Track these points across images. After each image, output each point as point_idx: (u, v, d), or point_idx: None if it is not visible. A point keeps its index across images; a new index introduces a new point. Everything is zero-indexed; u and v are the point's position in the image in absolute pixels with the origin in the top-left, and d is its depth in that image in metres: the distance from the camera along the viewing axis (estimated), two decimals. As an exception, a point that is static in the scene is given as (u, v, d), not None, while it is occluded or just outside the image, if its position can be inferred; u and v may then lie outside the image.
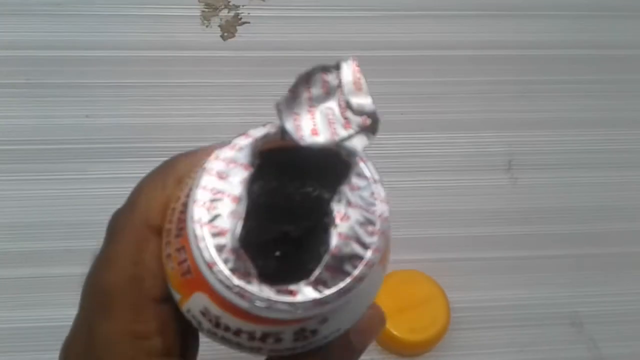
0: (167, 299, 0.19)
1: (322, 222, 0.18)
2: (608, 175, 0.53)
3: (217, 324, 0.17)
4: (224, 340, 0.17)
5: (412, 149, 0.53)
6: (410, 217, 0.50)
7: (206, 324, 0.17)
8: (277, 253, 0.18)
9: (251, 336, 0.17)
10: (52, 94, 0.51)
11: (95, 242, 0.46)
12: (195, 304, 0.17)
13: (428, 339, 0.43)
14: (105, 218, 0.53)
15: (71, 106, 0.51)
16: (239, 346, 0.17)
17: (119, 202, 0.50)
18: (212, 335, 0.18)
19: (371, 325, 0.20)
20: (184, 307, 0.18)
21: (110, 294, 0.19)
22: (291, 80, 0.17)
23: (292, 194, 0.18)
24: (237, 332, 0.17)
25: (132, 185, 0.50)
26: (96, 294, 0.19)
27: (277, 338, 0.17)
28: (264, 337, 0.17)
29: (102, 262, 0.20)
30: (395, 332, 0.42)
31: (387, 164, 0.52)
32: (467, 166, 0.52)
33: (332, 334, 0.18)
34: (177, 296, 0.18)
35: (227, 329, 0.17)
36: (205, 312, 0.17)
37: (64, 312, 0.44)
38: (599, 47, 0.59)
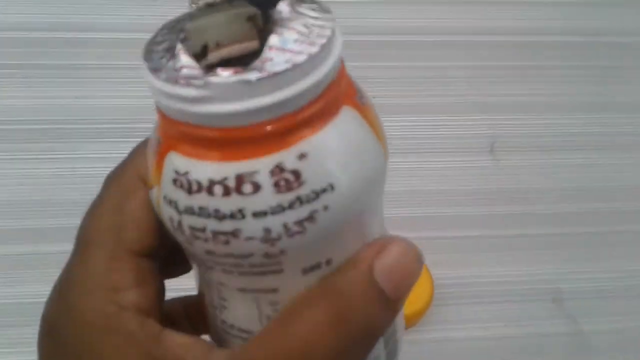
0: (148, 255, 0.18)
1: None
2: (589, 158, 0.54)
3: (190, 188, 0.15)
4: (201, 217, 0.15)
5: (396, 132, 0.54)
6: (394, 197, 0.51)
7: (181, 199, 0.16)
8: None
9: (226, 189, 0.15)
10: (42, 75, 0.52)
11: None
12: (167, 179, 0.16)
13: (411, 314, 0.44)
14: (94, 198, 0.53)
15: (61, 87, 0.52)
16: (218, 220, 0.15)
17: None
18: (189, 215, 0.16)
19: (403, 263, 0.16)
20: (160, 199, 0.17)
21: (90, 241, 0.18)
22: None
23: None
24: (210, 188, 0.15)
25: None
26: (78, 240, 0.19)
27: (254, 184, 0.15)
28: (239, 186, 0.15)
29: (89, 210, 0.19)
30: (379, 307, 0.43)
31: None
32: (451, 148, 0.53)
33: (322, 189, 0.15)
34: (153, 193, 0.17)
35: (199, 187, 0.15)
36: (175, 178, 0.16)
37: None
38: (585, 34, 0.61)
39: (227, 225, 0.15)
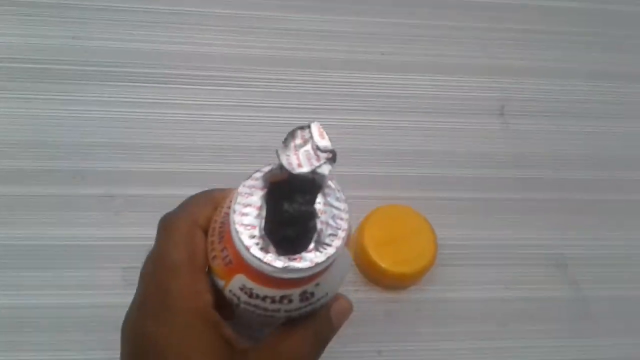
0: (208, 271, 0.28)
1: (307, 226, 0.26)
2: (598, 125, 0.53)
3: (251, 294, 0.26)
4: (254, 307, 0.26)
5: (407, 90, 0.52)
6: (401, 155, 0.49)
7: (243, 297, 0.26)
8: (283, 243, 0.27)
9: (273, 300, 0.26)
10: (39, 14, 0.50)
11: (77, 163, 0.45)
12: (235, 283, 0.26)
13: (414, 272, 0.43)
14: (89, 141, 0.51)
15: (58, 27, 0.49)
16: (264, 310, 0.26)
17: (103, 126, 0.48)
18: (246, 305, 0.26)
19: (344, 309, 0.29)
20: (227, 289, 0.27)
21: (177, 265, 0.28)
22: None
23: (287, 210, 0.27)
24: (264, 298, 0.26)
25: (116, 109, 0.48)
26: (165, 265, 0.28)
27: (289, 299, 0.26)
28: (281, 299, 0.26)
29: (167, 246, 0.29)
30: (381, 264, 0.42)
31: (380, 103, 0.51)
32: (461, 109, 0.52)
33: (323, 297, 0.27)
34: (221, 283, 0.27)
35: (257, 296, 0.26)
36: (242, 287, 0.26)
37: (44, 231, 0.44)
38: (599, 2, 0.59)
39: (268, 313, 0.27)
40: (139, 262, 0.43)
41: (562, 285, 0.46)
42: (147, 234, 0.45)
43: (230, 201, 0.26)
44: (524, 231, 0.48)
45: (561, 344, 0.44)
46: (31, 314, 0.40)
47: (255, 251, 0.24)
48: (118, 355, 0.40)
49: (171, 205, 0.46)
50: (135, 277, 0.42)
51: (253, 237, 0.25)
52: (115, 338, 0.41)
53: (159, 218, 0.44)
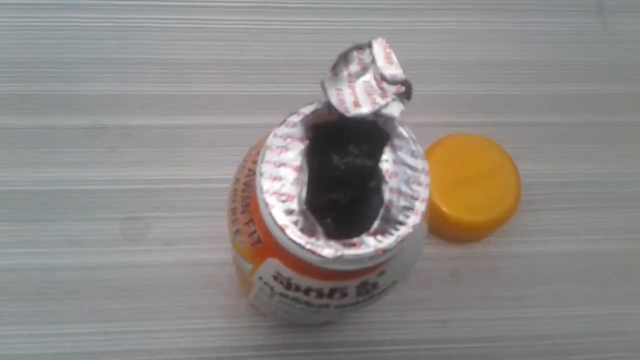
0: None
1: (366, 188, 0.20)
2: None
3: (289, 285, 0.20)
4: (294, 301, 0.20)
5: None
6: (470, 69, 0.38)
7: (278, 287, 0.20)
8: (328, 220, 0.21)
9: (319, 293, 0.20)
10: None
11: (59, 86, 0.36)
12: (267, 270, 0.20)
13: (491, 221, 0.33)
14: (73, 57, 0.40)
15: None
16: (307, 304, 0.20)
17: (90, 37, 0.37)
18: (283, 297, 0.20)
19: None
20: (255, 275, 0.20)
21: None
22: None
23: (337, 165, 0.21)
24: (307, 291, 0.20)
25: (106, 15, 0.38)
26: None
27: (343, 293, 0.20)
28: (331, 293, 0.20)
29: None
30: (448, 211, 0.33)
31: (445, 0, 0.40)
32: (548, 5, 0.40)
33: (388, 287, 0.21)
34: (248, 266, 0.21)
35: (297, 288, 0.20)
36: (277, 276, 0.20)
37: (19, 173, 0.35)
38: None
39: (313, 309, 0.21)
40: (140, 211, 0.35)
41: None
42: (149, 176, 0.36)
43: (257, 154, 0.19)
44: (631, 164, 0.37)
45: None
46: (6, 278, 0.32)
47: (294, 234, 0.17)
48: (118, 328, 0.32)
49: (178, 138, 0.37)
50: (137, 229, 0.34)
51: (291, 212, 0.17)
52: (115, 307, 0.33)
53: (165, 153, 0.35)
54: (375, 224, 0.17)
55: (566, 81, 0.39)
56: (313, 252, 0.17)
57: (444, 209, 0.33)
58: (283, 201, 0.17)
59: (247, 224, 0.20)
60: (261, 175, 0.18)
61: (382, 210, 0.18)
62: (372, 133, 0.19)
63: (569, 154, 0.37)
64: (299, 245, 0.17)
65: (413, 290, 0.33)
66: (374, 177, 0.19)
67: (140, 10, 0.38)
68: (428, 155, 0.34)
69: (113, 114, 0.35)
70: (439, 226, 0.34)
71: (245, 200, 0.20)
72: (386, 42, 0.18)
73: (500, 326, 0.33)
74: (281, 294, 0.20)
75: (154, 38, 0.37)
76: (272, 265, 0.19)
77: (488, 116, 0.37)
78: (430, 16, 0.39)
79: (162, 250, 0.33)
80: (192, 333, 0.32)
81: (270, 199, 0.18)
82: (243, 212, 0.20)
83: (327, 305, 0.20)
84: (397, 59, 0.18)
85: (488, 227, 0.34)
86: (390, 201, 0.18)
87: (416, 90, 0.37)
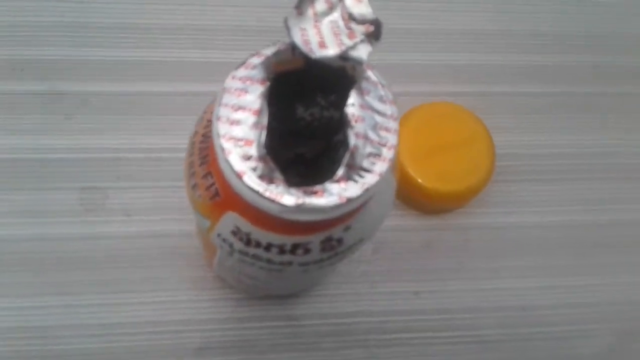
0: None
1: (334, 140, 0.19)
2: None
3: (248, 241, 0.19)
4: (254, 258, 0.19)
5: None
6: (446, 36, 0.37)
7: (237, 244, 0.19)
8: (295, 176, 0.20)
9: (281, 249, 0.18)
10: None
11: (14, 50, 0.34)
12: (225, 225, 0.19)
13: (465, 190, 0.32)
14: (29, 20, 0.38)
15: None
16: (269, 262, 0.19)
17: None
18: (243, 255, 0.19)
19: None
20: (213, 233, 0.19)
21: None
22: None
23: (303, 117, 0.20)
24: (268, 247, 0.18)
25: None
26: None
27: (305, 249, 0.19)
28: (294, 249, 0.18)
29: None
30: (420, 180, 0.32)
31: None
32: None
33: (355, 244, 0.20)
34: (206, 223, 0.20)
35: (258, 244, 0.18)
36: (236, 231, 0.19)
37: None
38: None
39: (274, 267, 0.19)
40: (100, 181, 0.33)
41: (656, 204, 0.35)
42: (109, 144, 0.34)
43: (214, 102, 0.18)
44: (608, 133, 0.36)
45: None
46: (-41, 250, 0.30)
47: (252, 181, 0.16)
48: (77, 301, 0.31)
49: (141, 106, 0.35)
50: (96, 199, 0.32)
51: (249, 158, 0.16)
52: (74, 279, 0.32)
53: (125, 121, 0.34)
54: (340, 171, 0.16)
55: (542, 52, 0.38)
56: (272, 200, 0.16)
57: (416, 177, 0.32)
58: (241, 146, 0.16)
59: (204, 177, 0.18)
60: (218, 119, 0.17)
61: (346, 156, 0.17)
62: (340, 81, 0.18)
63: (544, 125, 0.36)
64: (257, 192, 0.16)
65: (385, 261, 0.33)
66: (342, 129, 0.18)
67: (101, -28, 0.36)
68: (402, 124, 0.33)
69: (71, 80, 0.34)
70: (411, 196, 0.33)
71: (203, 152, 0.19)
72: None
73: (472, 297, 0.33)
74: (241, 252, 0.19)
75: (114, 2, 0.35)
76: (230, 219, 0.18)
77: (465, 86, 0.37)
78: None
79: (122, 221, 0.31)
80: (155, 306, 0.30)
81: (227, 144, 0.16)
82: (201, 164, 0.19)
83: (289, 263, 0.19)
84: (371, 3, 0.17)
85: (461, 197, 0.33)
86: (356, 147, 0.17)
87: (392, 59, 0.36)
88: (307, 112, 0.20)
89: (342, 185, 0.16)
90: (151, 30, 0.35)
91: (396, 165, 0.19)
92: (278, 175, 0.16)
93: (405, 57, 0.37)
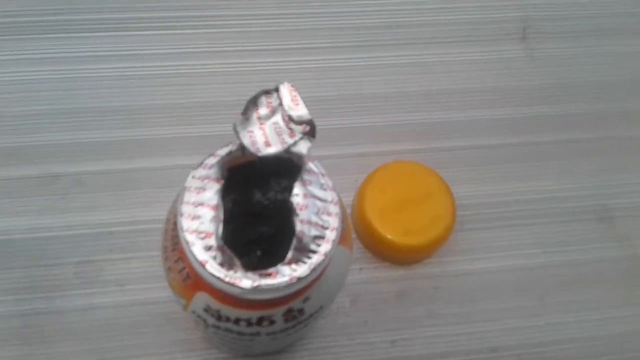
0: None
1: (289, 220, 0.20)
2: (643, 44, 0.44)
3: (219, 317, 0.21)
4: (227, 331, 0.21)
5: (406, 17, 0.43)
6: (407, 99, 0.41)
7: (210, 319, 0.21)
8: (258, 252, 0.23)
9: (248, 322, 0.21)
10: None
11: (10, 138, 0.37)
12: (197, 303, 0.21)
13: (429, 242, 0.35)
14: (22, 110, 0.41)
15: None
16: (240, 334, 0.21)
17: (38, 90, 0.38)
18: (216, 328, 0.21)
19: None
20: (189, 310, 0.21)
21: None
22: None
23: (260, 201, 0.23)
24: (237, 321, 0.21)
25: (52, 67, 0.40)
26: None
27: (270, 321, 0.21)
28: (260, 321, 0.21)
29: None
30: (388, 235, 0.34)
31: (375, 35, 0.42)
32: (474, 36, 0.43)
33: (315, 312, 0.22)
34: (181, 301, 0.22)
35: (227, 319, 0.21)
36: (207, 309, 0.21)
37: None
38: None
39: (246, 337, 0.22)
40: (95, 255, 0.36)
41: (610, 242, 0.38)
42: (103, 219, 0.37)
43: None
44: (555, 181, 0.39)
45: (614, 315, 0.36)
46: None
47: (214, 268, 0.19)
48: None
49: (130, 181, 0.38)
50: (92, 272, 0.35)
51: (209, 248, 0.19)
52: (72, 350, 0.34)
53: (116, 197, 0.37)
54: (289, 254, 0.19)
55: (492, 106, 0.41)
56: (232, 284, 0.18)
57: (385, 233, 0.34)
58: (202, 238, 0.19)
59: (176, 261, 0.21)
60: (181, 215, 0.19)
61: (294, 241, 0.19)
62: (289, 169, 0.20)
63: (499, 174, 0.39)
64: (219, 278, 0.18)
65: (362, 312, 0.35)
66: (288, 215, 0.20)
67: (86, 61, 0.39)
68: (368, 183, 0.36)
69: (64, 162, 0.37)
70: (380, 250, 0.36)
71: (174, 239, 0.21)
72: (292, 87, 0.20)
73: (445, 342, 0.35)
74: (214, 326, 0.21)
75: (100, 87, 0.39)
76: (201, 299, 0.20)
77: (426, 142, 0.40)
78: (369, 52, 0.42)
79: (116, 291, 0.34)
80: (149, 370, 0.33)
81: (190, 237, 0.19)
82: (173, 250, 0.21)
83: (257, 334, 0.21)
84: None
85: (427, 248, 0.36)
86: (301, 232, 0.19)
87: (358, 122, 0.40)
88: (264, 196, 0.22)
89: (293, 266, 0.19)
90: (134, 110, 0.38)
91: (348, 236, 0.22)
92: (236, 261, 0.19)
93: (371, 120, 0.40)
